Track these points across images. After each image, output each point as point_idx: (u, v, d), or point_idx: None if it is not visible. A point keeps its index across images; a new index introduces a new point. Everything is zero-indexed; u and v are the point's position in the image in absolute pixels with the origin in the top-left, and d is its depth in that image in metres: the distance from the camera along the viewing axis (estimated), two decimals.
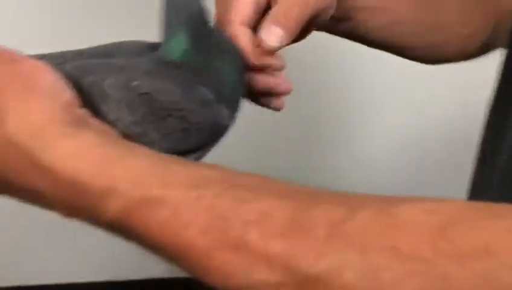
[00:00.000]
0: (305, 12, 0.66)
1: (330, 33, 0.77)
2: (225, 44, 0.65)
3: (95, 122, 0.57)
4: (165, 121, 0.60)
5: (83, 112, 0.57)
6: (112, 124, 0.59)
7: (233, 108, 0.64)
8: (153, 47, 0.65)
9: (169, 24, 0.63)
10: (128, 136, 0.59)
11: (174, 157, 0.53)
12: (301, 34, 0.70)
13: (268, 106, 0.70)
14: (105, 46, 0.66)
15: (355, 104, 1.41)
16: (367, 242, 0.42)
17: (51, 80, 0.56)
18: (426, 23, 0.80)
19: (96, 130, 0.55)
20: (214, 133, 0.62)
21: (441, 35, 0.81)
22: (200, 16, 0.63)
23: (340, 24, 0.75)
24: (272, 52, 0.66)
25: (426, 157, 1.47)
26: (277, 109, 0.70)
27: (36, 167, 0.52)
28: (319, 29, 0.74)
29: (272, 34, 0.65)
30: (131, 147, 0.54)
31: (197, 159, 0.64)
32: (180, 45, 0.62)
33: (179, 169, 0.50)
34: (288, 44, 0.67)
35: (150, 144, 0.59)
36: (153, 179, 0.49)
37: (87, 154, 0.51)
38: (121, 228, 0.50)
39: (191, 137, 0.61)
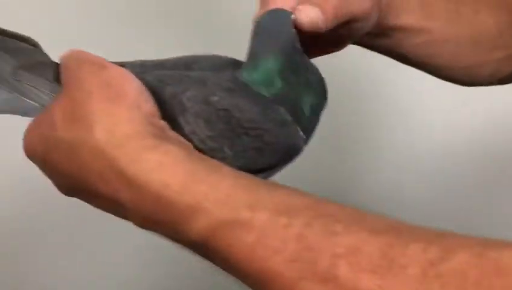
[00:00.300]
0: (345, 7, 0.64)
1: (366, 48, 0.76)
2: (311, 72, 0.64)
3: (174, 134, 0.57)
4: (240, 138, 0.60)
5: (164, 124, 0.57)
6: (187, 137, 0.59)
7: (309, 133, 0.64)
8: (234, 64, 0.65)
9: (259, 46, 0.63)
10: (201, 150, 0.59)
11: (258, 178, 0.53)
12: (338, 43, 0.69)
13: None
14: (185, 58, 0.67)
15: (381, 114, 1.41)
16: (465, 286, 0.41)
17: (137, 90, 0.56)
18: (465, 44, 0.80)
19: (179, 143, 0.55)
20: (287, 154, 0.62)
21: (479, 57, 0.81)
22: (291, 42, 0.63)
23: (377, 40, 0.74)
24: (308, 32, 0.63)
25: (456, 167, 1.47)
26: None
27: (121, 177, 0.52)
28: (356, 42, 0.73)
29: (310, 12, 0.62)
30: (215, 163, 0.54)
31: (264, 179, 0.64)
32: (267, 67, 0.62)
33: (265, 192, 0.50)
34: (325, 38, 0.65)
35: (222, 160, 0.59)
36: (240, 200, 0.49)
37: (172, 169, 0.51)
38: (203, 247, 0.50)
39: (263, 157, 0.61)
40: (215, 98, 0.60)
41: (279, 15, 0.63)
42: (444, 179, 1.43)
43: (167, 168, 0.51)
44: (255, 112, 0.60)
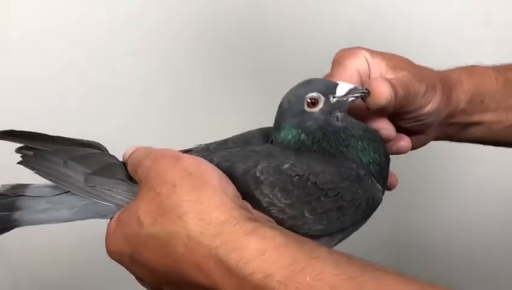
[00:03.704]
0: (414, 84, 0.67)
1: (454, 141, 0.79)
2: (360, 129, 0.66)
3: (257, 212, 0.58)
4: (319, 200, 0.60)
5: (247, 204, 0.57)
6: (265, 210, 0.60)
7: (383, 184, 0.65)
8: (266, 134, 0.68)
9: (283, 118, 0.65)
10: (282, 220, 0.60)
11: (356, 261, 0.51)
12: (417, 132, 0.72)
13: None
14: (242, 134, 0.69)
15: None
16: None
17: (218, 175, 0.57)
18: None
19: (270, 224, 0.55)
20: (369, 208, 0.63)
21: None
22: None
23: (467, 130, 0.77)
24: (377, 106, 0.65)
25: None
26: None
27: (220, 266, 0.51)
28: (442, 137, 0.77)
29: (382, 86, 0.65)
30: (312, 245, 0.53)
31: (345, 237, 0.64)
32: (287, 135, 0.65)
33: (368, 280, 0.49)
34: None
35: (302, 226, 0.60)
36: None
37: (275, 256, 0.50)
38: None
39: (346, 215, 0.61)
40: (287, 166, 0.61)
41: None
42: None
43: (268, 256, 0.50)
44: (331, 172, 0.61)
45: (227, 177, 0.58)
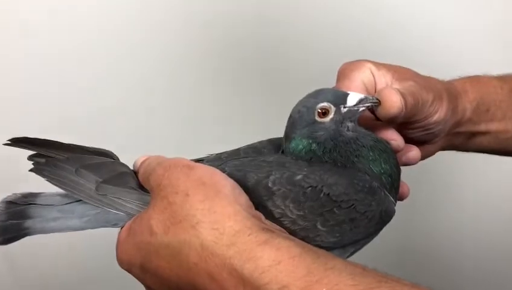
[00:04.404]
0: (422, 93, 0.67)
1: (461, 150, 0.80)
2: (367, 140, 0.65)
3: (269, 223, 0.57)
4: (332, 212, 0.60)
5: (260, 214, 0.57)
6: (277, 221, 0.59)
7: (395, 195, 0.65)
8: (277, 145, 0.67)
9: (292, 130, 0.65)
10: (294, 231, 0.59)
11: (371, 272, 0.51)
12: (425, 141, 0.72)
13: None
14: (254, 144, 0.68)
15: None
16: None
17: (231, 185, 0.56)
18: None
19: (283, 234, 0.55)
20: (382, 220, 0.62)
21: None
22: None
23: (474, 139, 0.77)
24: (389, 116, 0.65)
25: None
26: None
27: (235, 277, 0.51)
28: (449, 147, 0.77)
29: (393, 95, 0.65)
30: (327, 256, 0.52)
31: (357, 249, 0.63)
32: (298, 145, 0.64)
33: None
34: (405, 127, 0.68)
35: (314, 237, 0.59)
36: None
37: (290, 267, 0.50)
38: None
39: (359, 227, 0.61)
40: (299, 177, 0.60)
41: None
42: None
43: (283, 267, 0.50)
44: (344, 184, 0.61)
45: (240, 187, 0.57)
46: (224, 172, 0.59)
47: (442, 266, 1.38)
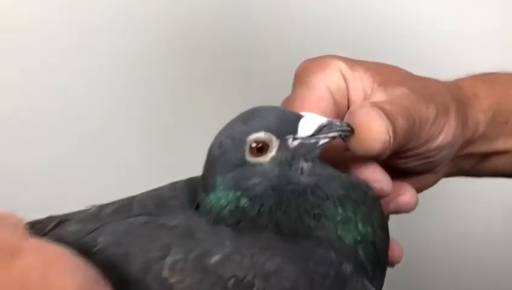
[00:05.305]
0: (420, 108, 0.47)
1: (471, 176, 0.60)
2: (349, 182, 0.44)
3: None
4: None
5: None
6: None
7: (381, 275, 0.43)
8: (194, 192, 0.44)
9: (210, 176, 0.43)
10: None
11: None
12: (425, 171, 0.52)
13: None
14: (159, 190, 0.46)
15: None
16: None
17: (74, 285, 0.33)
18: None
19: None
20: None
21: None
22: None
23: (488, 161, 0.58)
24: (368, 153, 0.44)
25: None
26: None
27: None
28: (455, 173, 0.58)
29: (373, 119, 0.43)
30: None
31: None
32: (219, 199, 0.42)
33: None
34: (394, 155, 0.47)
35: None
36: None
37: None
38: None
39: None
40: (216, 259, 0.38)
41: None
42: None
43: None
44: (292, 272, 0.38)
45: (100, 284, 0.35)
46: (94, 247, 0.38)
47: (444, 277, 1.29)
